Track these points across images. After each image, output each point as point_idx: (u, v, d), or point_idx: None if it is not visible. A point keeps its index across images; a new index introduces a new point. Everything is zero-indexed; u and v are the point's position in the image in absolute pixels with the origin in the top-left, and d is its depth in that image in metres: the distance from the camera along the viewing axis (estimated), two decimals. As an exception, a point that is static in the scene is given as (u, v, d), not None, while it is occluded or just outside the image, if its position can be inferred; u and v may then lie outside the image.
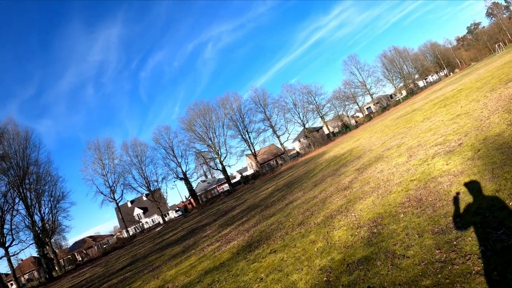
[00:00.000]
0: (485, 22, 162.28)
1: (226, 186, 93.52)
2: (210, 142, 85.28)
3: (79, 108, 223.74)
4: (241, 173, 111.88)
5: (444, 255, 4.83)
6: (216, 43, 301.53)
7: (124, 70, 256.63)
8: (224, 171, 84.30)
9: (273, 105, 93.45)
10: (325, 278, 5.86)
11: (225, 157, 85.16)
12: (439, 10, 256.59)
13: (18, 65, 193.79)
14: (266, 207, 18.87)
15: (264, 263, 8.40)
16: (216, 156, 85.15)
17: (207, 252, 13.78)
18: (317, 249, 7.65)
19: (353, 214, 9.00)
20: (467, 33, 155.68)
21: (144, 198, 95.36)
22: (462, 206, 6.12)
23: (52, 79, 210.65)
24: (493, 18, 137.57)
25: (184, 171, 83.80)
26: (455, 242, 5.05)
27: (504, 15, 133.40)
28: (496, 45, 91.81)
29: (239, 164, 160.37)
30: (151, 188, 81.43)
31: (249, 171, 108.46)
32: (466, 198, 6.36)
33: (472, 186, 6.73)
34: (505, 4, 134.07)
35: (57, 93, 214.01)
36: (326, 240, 7.97)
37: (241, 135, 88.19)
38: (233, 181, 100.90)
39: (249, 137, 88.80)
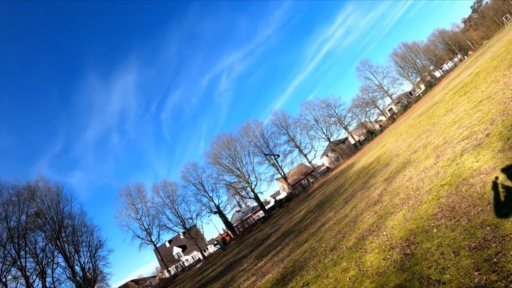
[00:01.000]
0: None
1: (261, 213, 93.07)
2: (238, 172, 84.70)
3: (107, 157, 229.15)
4: (274, 198, 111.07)
5: (484, 277, 4.20)
6: (230, 73, 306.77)
7: (144, 114, 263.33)
8: (256, 198, 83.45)
9: (295, 124, 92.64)
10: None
11: (256, 185, 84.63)
12: None
13: (43, 124, 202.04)
14: (299, 232, 18.37)
15: None
16: (246, 185, 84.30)
17: (244, 288, 13.41)
18: (349, 278, 7.14)
19: (384, 233, 8.40)
20: (472, 12, 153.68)
21: (182, 237, 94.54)
22: (502, 211, 5.34)
23: (77, 132, 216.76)
24: None
25: (217, 204, 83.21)
26: (495, 259, 4.40)
27: None
28: (504, 18, 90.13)
29: (272, 189, 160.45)
30: (187, 225, 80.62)
31: (282, 194, 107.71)
32: (504, 199, 5.57)
33: (508, 184, 5.97)
34: None
35: (84, 145, 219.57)
36: (358, 267, 7.43)
37: (268, 160, 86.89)
38: (268, 206, 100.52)
39: (277, 161, 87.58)
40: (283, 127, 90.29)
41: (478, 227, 5.40)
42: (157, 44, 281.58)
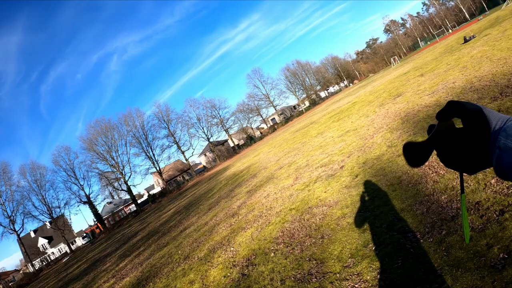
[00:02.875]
0: (383, 38, 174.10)
1: (133, 207, 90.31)
2: (113, 161, 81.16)
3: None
4: (148, 192, 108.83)
5: None
6: (122, 55, 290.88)
7: (23, 83, 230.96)
8: (129, 191, 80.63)
9: (177, 120, 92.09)
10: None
11: (130, 177, 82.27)
12: (343, 25, 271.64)
13: None
14: (163, 234, 18.03)
15: None
16: (120, 176, 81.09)
17: (101, 291, 12.89)
18: None
19: (232, 248, 8.50)
20: (366, 47, 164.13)
21: (48, 227, 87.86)
22: (330, 248, 5.63)
23: None
24: (390, 34, 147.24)
25: (88, 194, 78.45)
26: None
27: (400, 32, 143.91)
28: (392, 58, 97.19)
29: (147, 182, 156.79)
30: (54, 215, 74.48)
31: (156, 189, 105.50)
32: (334, 237, 5.90)
33: (341, 223, 6.34)
34: (402, 22, 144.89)
35: None
36: (203, 281, 7.41)
37: (145, 153, 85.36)
38: (141, 200, 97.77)
39: (153, 154, 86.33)
40: (164, 121, 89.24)
41: (307, 259, 5.63)
42: (52, 6, 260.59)
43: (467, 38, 28.30)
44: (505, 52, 13.37)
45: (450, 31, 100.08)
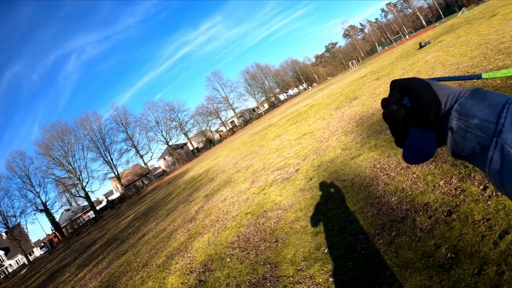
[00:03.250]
0: (342, 42, 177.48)
1: (92, 214, 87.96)
2: (70, 167, 78.33)
3: None
4: (107, 197, 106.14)
5: None
6: (80, 55, 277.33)
7: None
8: (87, 198, 77.83)
9: (135, 123, 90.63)
10: None
11: (88, 182, 79.51)
12: (303, 29, 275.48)
13: None
14: (122, 241, 17.68)
15: None
16: (77, 182, 78.27)
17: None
18: None
19: (189, 254, 8.42)
20: (325, 51, 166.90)
21: (4, 237, 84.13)
22: (283, 252, 5.65)
23: None
24: (349, 39, 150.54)
25: (44, 201, 74.87)
26: None
27: (359, 37, 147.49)
28: (350, 62, 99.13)
29: (106, 187, 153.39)
30: (10, 224, 71.63)
31: (115, 195, 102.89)
32: (288, 240, 5.93)
33: (294, 227, 6.38)
34: (360, 27, 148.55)
35: None
36: None
37: (103, 157, 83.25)
38: (100, 206, 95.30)
39: (111, 159, 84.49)
40: (122, 124, 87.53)
41: (262, 263, 5.63)
42: (7, 3, 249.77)
43: (423, 44, 29.12)
44: (458, 57, 13.81)
45: (407, 36, 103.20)
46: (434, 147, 0.75)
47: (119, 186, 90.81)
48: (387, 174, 6.44)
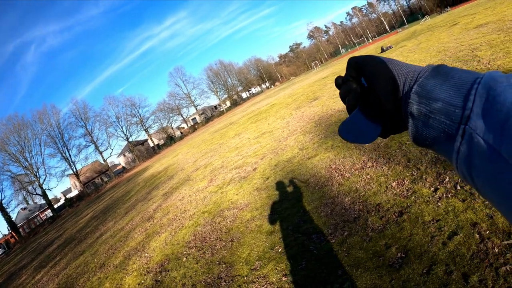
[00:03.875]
0: (306, 43, 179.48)
1: (50, 212, 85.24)
2: (26, 163, 74.70)
3: None
4: (65, 195, 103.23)
5: None
6: (40, 45, 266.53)
7: None
8: (44, 196, 74.55)
9: (95, 118, 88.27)
10: None
11: (45, 180, 77.11)
12: (268, 28, 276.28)
13: None
14: (79, 241, 17.31)
15: None
16: (34, 179, 74.81)
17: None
18: None
19: (146, 254, 8.31)
20: (289, 51, 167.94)
21: None
22: (238, 251, 5.68)
23: None
24: (313, 40, 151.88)
25: (0, 199, 71.62)
26: None
27: (323, 38, 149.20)
28: (313, 63, 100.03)
29: (64, 185, 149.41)
30: None
31: (74, 192, 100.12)
32: (243, 240, 5.95)
33: (250, 226, 6.43)
34: (325, 29, 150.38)
35: None
36: None
37: (61, 153, 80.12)
38: (58, 204, 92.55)
39: (70, 155, 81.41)
40: (81, 119, 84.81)
41: (217, 263, 5.63)
42: None
43: (384, 48, 29.75)
44: (417, 63, 14.18)
45: (370, 40, 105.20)
46: (373, 139, 0.69)
47: (77, 183, 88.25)
48: (341, 175, 6.54)
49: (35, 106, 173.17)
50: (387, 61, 0.68)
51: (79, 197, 76.97)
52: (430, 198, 4.45)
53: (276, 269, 4.60)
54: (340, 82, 0.75)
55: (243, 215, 7.15)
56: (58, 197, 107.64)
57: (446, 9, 68.01)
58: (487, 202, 3.82)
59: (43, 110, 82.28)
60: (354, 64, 0.71)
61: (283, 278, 4.33)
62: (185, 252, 6.92)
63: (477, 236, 3.42)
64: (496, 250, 3.14)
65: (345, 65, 32.15)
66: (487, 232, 3.41)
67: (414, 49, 19.36)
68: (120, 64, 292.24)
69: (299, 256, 4.62)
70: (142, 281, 6.75)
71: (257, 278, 4.61)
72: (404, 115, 0.63)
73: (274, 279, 4.39)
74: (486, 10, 21.24)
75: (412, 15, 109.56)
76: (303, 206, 6.08)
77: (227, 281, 4.96)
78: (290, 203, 6.48)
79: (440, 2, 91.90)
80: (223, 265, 5.47)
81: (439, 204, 4.23)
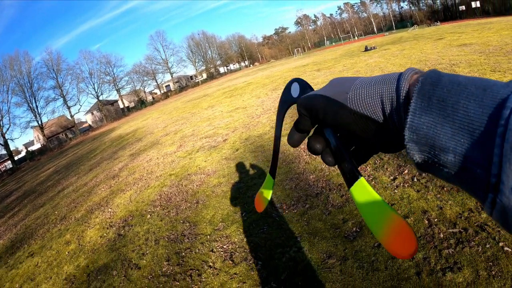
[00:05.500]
0: (292, 29, 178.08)
1: (9, 164, 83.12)
2: None
3: None
4: (27, 148, 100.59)
5: (170, 268, 4.59)
6: None
7: None
8: (6, 146, 70.97)
9: (67, 71, 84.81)
10: (68, 290, 5.20)
11: (8, 129, 74.22)
12: (257, 7, 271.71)
13: None
14: (40, 194, 17.13)
15: (20, 269, 7.32)
16: None
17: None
18: (68, 252, 6.92)
19: (110, 209, 8.43)
20: (274, 34, 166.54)
21: None
22: (203, 213, 5.94)
23: None
24: (300, 27, 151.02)
25: None
26: (183, 254, 4.84)
27: (310, 27, 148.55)
28: (296, 50, 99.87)
29: (27, 137, 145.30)
30: None
31: (36, 146, 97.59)
32: (208, 203, 6.22)
33: (216, 191, 6.70)
34: (314, 18, 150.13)
35: None
36: (79, 241, 7.26)
37: (28, 103, 76.78)
38: (19, 156, 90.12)
39: (37, 106, 78.19)
40: (54, 70, 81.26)
41: (181, 221, 5.88)
42: None
43: (368, 48, 29.94)
44: (397, 67, 14.56)
45: (356, 38, 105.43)
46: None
47: (41, 136, 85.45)
48: (309, 155, 6.86)
49: (7, 50, 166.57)
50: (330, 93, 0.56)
51: (41, 151, 74.85)
52: (389, 185, 4.80)
53: (239, 230, 4.88)
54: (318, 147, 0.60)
55: (210, 181, 7.40)
56: (19, 149, 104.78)
57: (436, 23, 68.91)
58: (439, 195, 4.20)
59: (15, 56, 77.97)
60: (305, 110, 0.60)
61: (245, 239, 4.62)
62: (149, 210, 7.10)
63: (426, 222, 3.77)
64: (442, 236, 3.49)
65: (326, 57, 32.78)
66: (436, 219, 3.77)
67: (397, 54, 19.72)
68: (101, 19, 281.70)
69: (261, 221, 4.92)
70: (105, 234, 6.91)
71: (220, 237, 4.88)
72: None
73: (236, 240, 4.68)
74: (473, 32, 21.70)
75: (402, 21, 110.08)
76: (270, 179, 6.37)
77: (190, 238, 5.21)
78: (256, 174, 6.78)
79: (431, 15, 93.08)
80: (187, 224, 5.71)
81: (396, 191, 4.58)
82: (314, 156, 6.66)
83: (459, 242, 3.33)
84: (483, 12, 66.97)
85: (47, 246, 8.04)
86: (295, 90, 0.70)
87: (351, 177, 0.54)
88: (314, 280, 3.53)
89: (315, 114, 0.57)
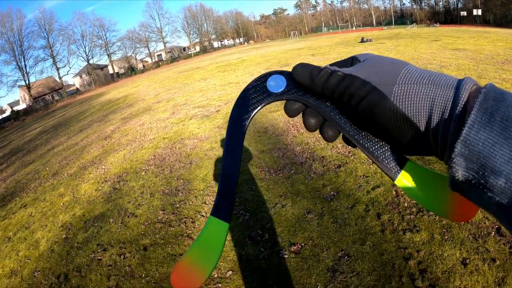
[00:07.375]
0: (292, 11, 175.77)
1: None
2: None
3: None
4: (12, 107, 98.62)
5: (166, 217, 5.09)
6: None
7: None
8: None
9: (59, 32, 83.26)
10: (64, 236, 5.59)
11: (-6, 87, 73.57)
12: None
13: None
14: (28, 152, 17.15)
15: (13, 219, 7.64)
16: None
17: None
18: (63, 203, 7.24)
19: (104, 166, 8.79)
20: (272, 14, 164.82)
21: None
22: (196, 172, 6.46)
23: None
24: (299, 10, 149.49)
25: None
26: (178, 205, 5.35)
27: (309, 12, 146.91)
28: (292, 32, 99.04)
29: (12, 96, 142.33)
30: None
31: (22, 106, 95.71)
32: (201, 164, 6.74)
33: (209, 154, 7.22)
34: (314, 3, 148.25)
35: None
36: (73, 194, 7.59)
37: (17, 62, 75.20)
38: (3, 116, 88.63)
39: (25, 65, 76.67)
40: (45, 29, 79.49)
41: (175, 178, 6.39)
42: None
43: (365, 39, 30.00)
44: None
45: (353, 28, 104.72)
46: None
47: (27, 97, 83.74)
48: (297, 130, 7.43)
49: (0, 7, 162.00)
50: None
51: (26, 111, 73.58)
52: (365, 161, 5.40)
53: (230, 188, 5.45)
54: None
55: (203, 145, 7.92)
56: (3, 108, 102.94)
57: (435, 24, 68.82)
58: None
59: (7, 12, 75.74)
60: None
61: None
62: (144, 168, 7.57)
63: (394, 193, 4.38)
64: (406, 204, 4.10)
65: (322, 43, 33.54)
66: (402, 191, 4.37)
67: (392, 49, 19.95)
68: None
69: (250, 181, 5.52)
70: (100, 188, 7.31)
71: (213, 193, 5.44)
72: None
73: (227, 195, 5.24)
74: (470, 38, 21.80)
75: (402, 18, 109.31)
76: (259, 147, 6.98)
77: (184, 192, 5.74)
78: (248, 143, 7.30)
79: (432, 16, 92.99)
80: (181, 181, 6.24)
81: (371, 166, 5.19)
82: (302, 131, 7.24)
83: (419, 211, 3.92)
84: (484, 21, 66.79)
85: (40, 198, 8.26)
86: (278, 85, 0.53)
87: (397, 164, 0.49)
88: (295, 229, 4.13)
89: (346, 100, 0.48)
